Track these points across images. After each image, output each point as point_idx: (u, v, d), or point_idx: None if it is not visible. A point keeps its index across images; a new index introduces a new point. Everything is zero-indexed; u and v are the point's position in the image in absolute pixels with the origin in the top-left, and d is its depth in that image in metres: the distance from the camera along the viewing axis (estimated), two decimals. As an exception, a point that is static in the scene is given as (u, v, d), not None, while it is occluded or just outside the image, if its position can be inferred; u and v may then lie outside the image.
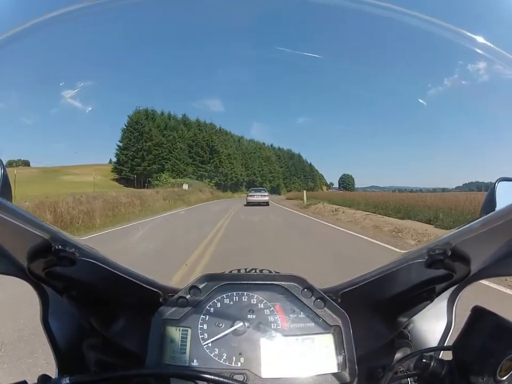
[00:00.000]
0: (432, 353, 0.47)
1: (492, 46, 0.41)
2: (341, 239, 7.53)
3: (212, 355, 0.48)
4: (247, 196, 20.41)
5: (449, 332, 0.55)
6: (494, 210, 0.35)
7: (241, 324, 0.49)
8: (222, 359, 0.47)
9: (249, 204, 18.91)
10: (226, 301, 0.52)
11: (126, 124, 37.79)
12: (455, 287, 0.52)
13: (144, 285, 0.51)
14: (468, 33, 0.42)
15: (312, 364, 0.47)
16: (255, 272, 0.57)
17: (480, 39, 0.41)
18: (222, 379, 0.41)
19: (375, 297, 0.54)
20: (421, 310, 0.53)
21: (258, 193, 20.42)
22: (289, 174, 65.36)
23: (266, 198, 19.58)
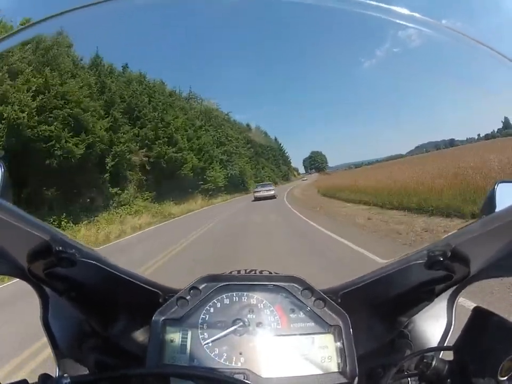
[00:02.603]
0: (432, 353, 0.47)
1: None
2: None
3: (212, 355, 0.48)
4: (254, 192, 21.07)
5: (449, 332, 0.55)
6: (493, 211, 0.35)
7: (241, 323, 0.49)
8: (222, 359, 0.47)
9: (257, 199, 19.59)
10: (226, 301, 0.52)
11: None
12: (455, 287, 0.52)
13: (144, 286, 0.51)
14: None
15: (312, 364, 0.47)
16: (255, 273, 0.57)
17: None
18: (222, 379, 0.41)
19: (375, 298, 0.54)
20: (421, 310, 0.53)
21: (264, 188, 21.21)
22: (254, 154, 40.21)
23: (272, 192, 20.32)
